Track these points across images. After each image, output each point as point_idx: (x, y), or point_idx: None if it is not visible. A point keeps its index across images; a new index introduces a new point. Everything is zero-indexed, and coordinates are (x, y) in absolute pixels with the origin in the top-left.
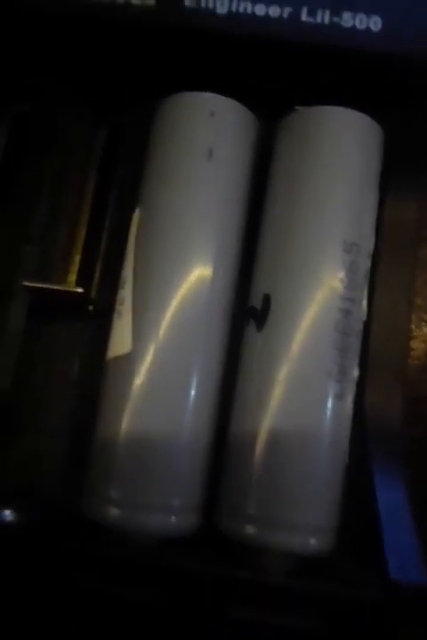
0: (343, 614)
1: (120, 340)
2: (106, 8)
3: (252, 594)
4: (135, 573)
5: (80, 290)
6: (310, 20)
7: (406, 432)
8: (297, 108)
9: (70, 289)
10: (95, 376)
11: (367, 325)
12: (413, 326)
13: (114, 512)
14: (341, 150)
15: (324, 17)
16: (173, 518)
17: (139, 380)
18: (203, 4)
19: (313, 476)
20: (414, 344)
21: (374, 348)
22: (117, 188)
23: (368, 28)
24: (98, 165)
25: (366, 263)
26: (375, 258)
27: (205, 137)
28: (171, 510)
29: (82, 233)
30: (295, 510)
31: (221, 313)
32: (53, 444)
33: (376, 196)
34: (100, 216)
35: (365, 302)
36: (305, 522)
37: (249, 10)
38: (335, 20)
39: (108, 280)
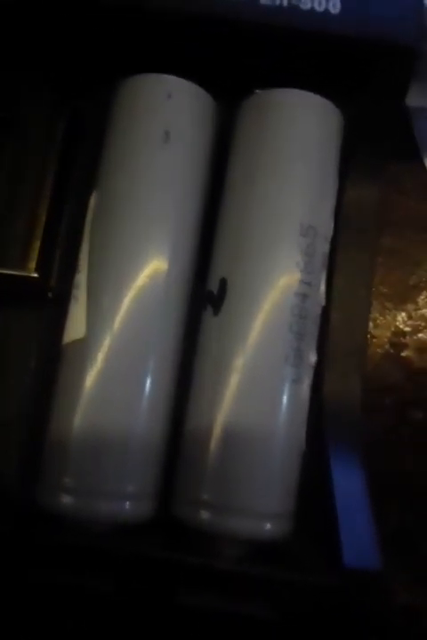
0: (299, 599)
1: (75, 325)
2: None
3: (207, 580)
4: (88, 560)
5: (35, 275)
6: (269, 1)
7: (368, 420)
8: (256, 90)
9: (27, 274)
10: (53, 362)
11: (327, 312)
12: (377, 314)
13: (68, 500)
14: (299, 134)
15: None
16: (128, 504)
17: (93, 365)
18: None
19: (269, 461)
20: (377, 332)
21: (333, 334)
22: (79, 174)
23: (327, 11)
24: (58, 151)
25: (323, 247)
26: (335, 244)
27: (162, 118)
28: (125, 497)
29: (42, 219)
30: (251, 496)
31: (179, 298)
32: (11, 432)
33: (335, 181)
34: (61, 202)
35: (323, 287)
36: (260, 507)
37: None
38: (294, 2)
39: (68, 267)
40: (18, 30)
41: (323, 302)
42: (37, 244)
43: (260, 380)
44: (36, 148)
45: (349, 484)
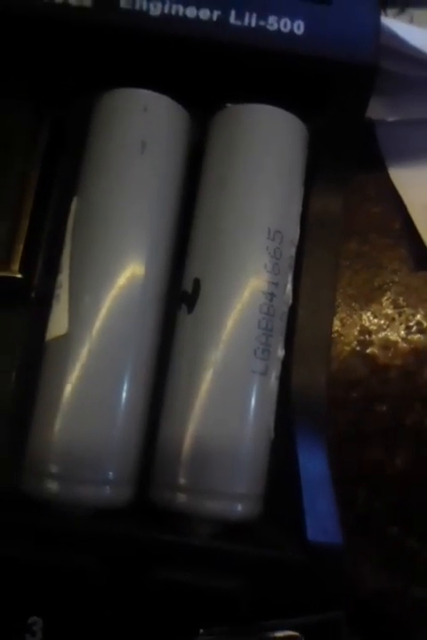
0: (267, 574)
1: (57, 322)
2: (44, 7)
3: (183, 556)
4: (71, 541)
5: (19, 275)
6: (238, 22)
7: (336, 412)
8: (227, 105)
9: (11, 275)
10: (37, 360)
11: (295, 310)
12: (344, 314)
13: (52, 486)
14: (266, 145)
15: (251, 20)
16: (108, 489)
17: (75, 359)
18: (137, 6)
19: (239, 447)
20: (345, 331)
21: (300, 330)
22: (61, 180)
23: (292, 31)
24: (41, 158)
25: (289, 250)
26: (302, 248)
27: (138, 130)
28: (106, 482)
29: (25, 223)
30: (223, 479)
31: (155, 297)
32: None
33: (301, 190)
34: (43, 207)
35: (289, 286)
36: (232, 490)
37: (180, 12)
38: (261, 23)
39: (50, 268)
40: (3, 44)
41: (290, 301)
42: (21, 246)
43: (230, 372)
44: (20, 154)
45: (313, 468)
